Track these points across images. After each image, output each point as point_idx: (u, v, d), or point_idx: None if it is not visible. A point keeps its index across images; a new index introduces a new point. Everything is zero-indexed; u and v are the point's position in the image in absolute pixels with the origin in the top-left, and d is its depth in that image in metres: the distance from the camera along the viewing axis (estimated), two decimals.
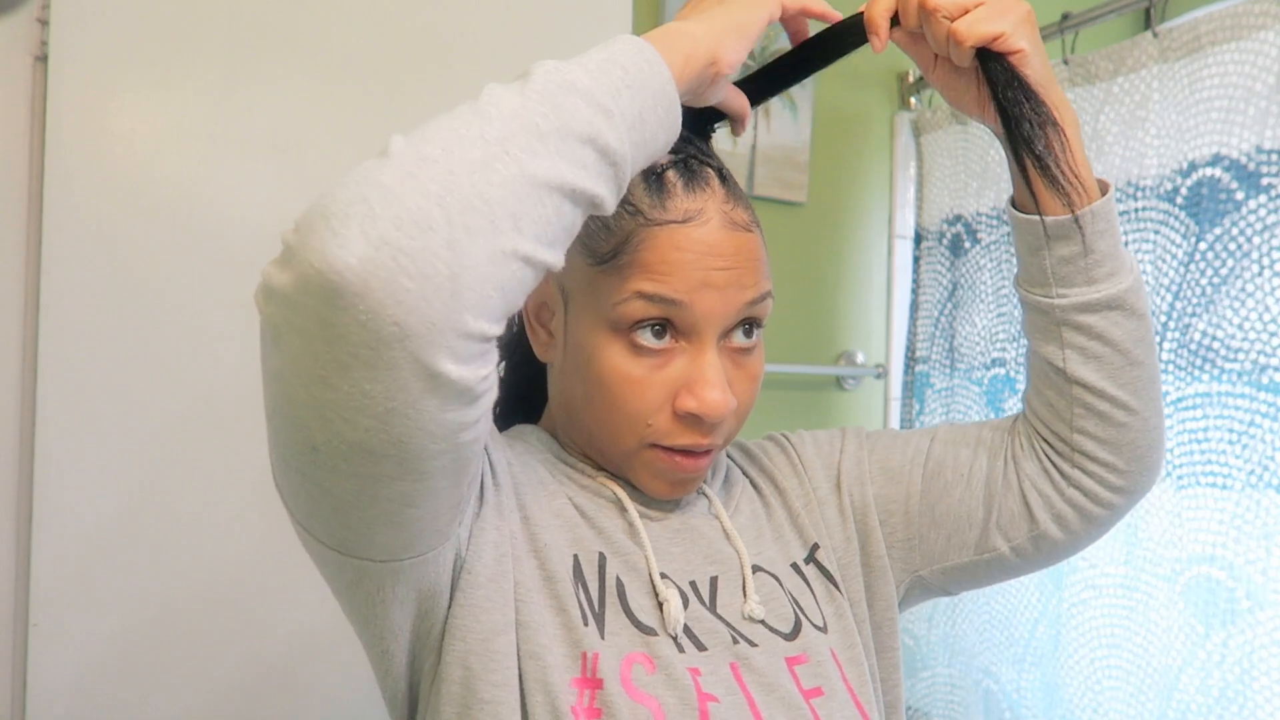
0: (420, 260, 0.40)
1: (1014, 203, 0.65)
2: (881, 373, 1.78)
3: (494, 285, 0.43)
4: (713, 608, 0.62)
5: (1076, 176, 0.59)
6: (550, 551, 0.59)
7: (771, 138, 1.64)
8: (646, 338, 0.57)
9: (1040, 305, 0.64)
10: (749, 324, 0.60)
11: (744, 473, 0.73)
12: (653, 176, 0.58)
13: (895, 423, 1.79)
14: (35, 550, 1.05)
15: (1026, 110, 0.57)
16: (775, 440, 0.76)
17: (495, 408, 0.75)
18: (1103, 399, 0.63)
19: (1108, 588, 1.32)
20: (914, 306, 1.74)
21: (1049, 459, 0.67)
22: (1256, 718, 1.12)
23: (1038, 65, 0.58)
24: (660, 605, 0.59)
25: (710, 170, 0.59)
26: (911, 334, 1.74)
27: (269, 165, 1.17)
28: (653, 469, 0.61)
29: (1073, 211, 0.60)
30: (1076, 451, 0.65)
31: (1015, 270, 0.66)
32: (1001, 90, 0.58)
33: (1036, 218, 0.62)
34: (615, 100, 0.47)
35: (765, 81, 0.66)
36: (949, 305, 1.66)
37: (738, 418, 0.62)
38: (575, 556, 0.60)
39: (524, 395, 0.76)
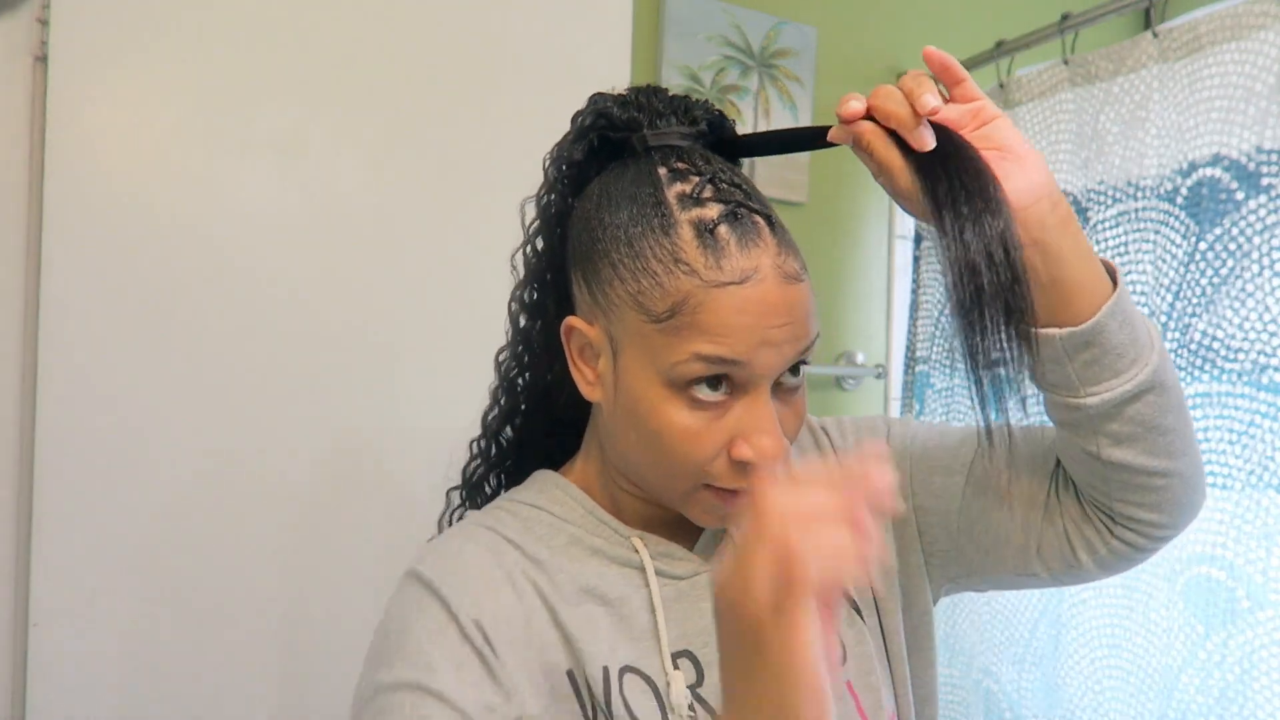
0: None
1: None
2: (881, 373, 1.78)
3: None
4: None
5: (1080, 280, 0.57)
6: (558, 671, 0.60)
7: None
8: (704, 392, 0.57)
9: (1069, 405, 0.60)
10: (797, 364, 0.60)
11: None
12: (705, 233, 0.56)
13: None
14: (35, 550, 1.05)
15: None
16: (814, 437, 0.75)
17: (515, 451, 0.75)
18: (1140, 474, 0.61)
19: (1108, 588, 1.32)
20: (914, 306, 1.74)
21: (1092, 512, 0.65)
22: (1256, 718, 1.11)
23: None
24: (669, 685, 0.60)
25: (760, 220, 0.58)
26: (911, 334, 1.74)
27: (269, 165, 1.17)
28: (705, 506, 0.62)
29: (1084, 320, 0.57)
30: (1120, 516, 0.64)
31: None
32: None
33: (1053, 332, 0.57)
34: None
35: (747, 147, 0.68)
36: (949, 305, 1.65)
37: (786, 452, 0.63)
38: (571, 673, 0.60)
39: (548, 431, 0.75)
